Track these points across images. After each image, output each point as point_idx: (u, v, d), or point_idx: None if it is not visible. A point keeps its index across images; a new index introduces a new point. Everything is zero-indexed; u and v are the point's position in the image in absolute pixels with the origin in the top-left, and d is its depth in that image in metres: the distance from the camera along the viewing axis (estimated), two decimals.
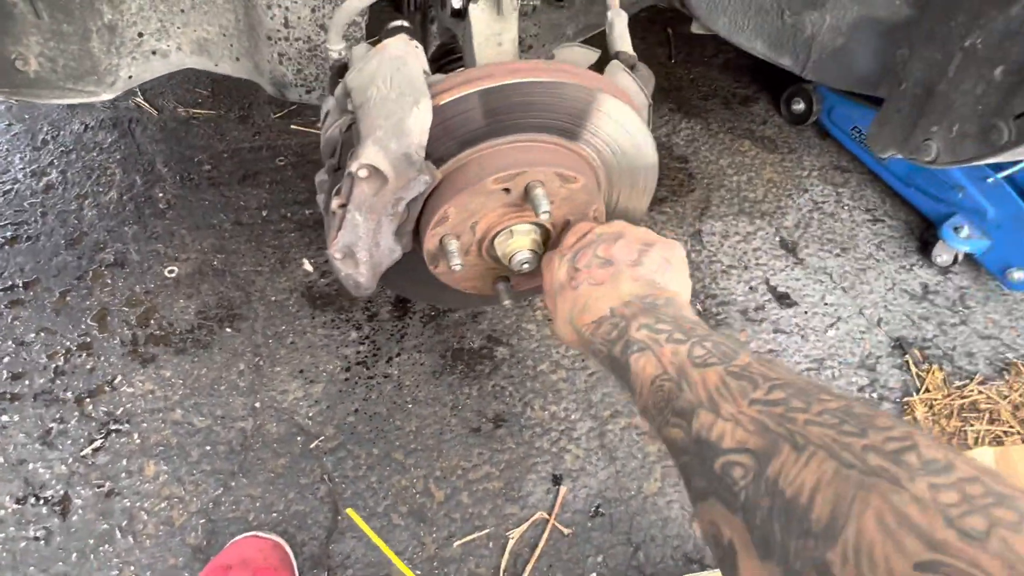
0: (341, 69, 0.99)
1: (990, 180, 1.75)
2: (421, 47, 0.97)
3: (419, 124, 0.82)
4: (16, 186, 1.83)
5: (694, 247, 1.87)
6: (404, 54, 0.87)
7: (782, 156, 2.13)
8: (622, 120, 0.97)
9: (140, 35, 1.24)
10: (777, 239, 1.92)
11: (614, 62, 0.98)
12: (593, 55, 1.01)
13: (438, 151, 0.93)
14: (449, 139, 0.91)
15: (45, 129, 1.97)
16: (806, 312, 1.76)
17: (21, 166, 1.87)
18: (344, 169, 0.91)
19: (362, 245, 0.96)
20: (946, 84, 1.10)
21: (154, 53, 1.29)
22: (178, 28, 1.27)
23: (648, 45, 2.41)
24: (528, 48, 1.48)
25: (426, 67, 0.93)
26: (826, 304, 1.78)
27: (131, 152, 1.94)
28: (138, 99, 2.07)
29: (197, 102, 2.10)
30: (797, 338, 1.71)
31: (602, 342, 0.76)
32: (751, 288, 1.80)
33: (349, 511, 1.35)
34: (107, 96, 1.27)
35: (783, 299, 1.79)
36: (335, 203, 0.93)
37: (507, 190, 0.90)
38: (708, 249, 1.87)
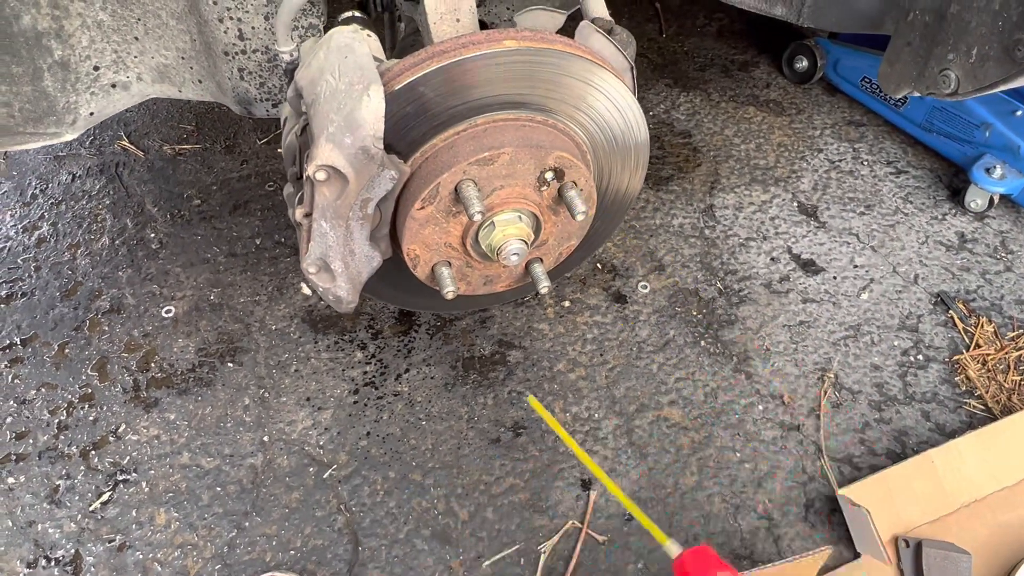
0: (293, 70, 0.93)
1: (1019, 113, 1.63)
2: (375, 36, 0.90)
3: (372, 113, 0.75)
4: (8, 243, 1.80)
5: (707, 223, 1.76)
6: (351, 41, 0.79)
7: (790, 118, 2.02)
8: (601, 85, 0.89)
9: (96, 68, 1.19)
10: (795, 204, 1.81)
11: (584, 23, 0.89)
12: (560, 18, 0.93)
13: (402, 143, 0.85)
14: (409, 128, 0.83)
15: (34, 183, 1.95)
16: (835, 277, 1.65)
17: (12, 223, 1.85)
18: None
19: (335, 255, 0.89)
20: (958, 4, 1.00)
21: (114, 86, 1.23)
22: (135, 57, 1.22)
23: (636, 22, 2.32)
24: None
25: (379, 54, 0.86)
26: (856, 267, 1.67)
27: (120, 196, 1.90)
28: (123, 142, 2.03)
29: (183, 138, 2.06)
30: (829, 306, 1.59)
31: None
32: (773, 259, 1.69)
33: (530, 399, 1.20)
34: (71, 136, 1.22)
35: (809, 266, 1.67)
36: (299, 213, 0.86)
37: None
38: (722, 224, 1.76)
